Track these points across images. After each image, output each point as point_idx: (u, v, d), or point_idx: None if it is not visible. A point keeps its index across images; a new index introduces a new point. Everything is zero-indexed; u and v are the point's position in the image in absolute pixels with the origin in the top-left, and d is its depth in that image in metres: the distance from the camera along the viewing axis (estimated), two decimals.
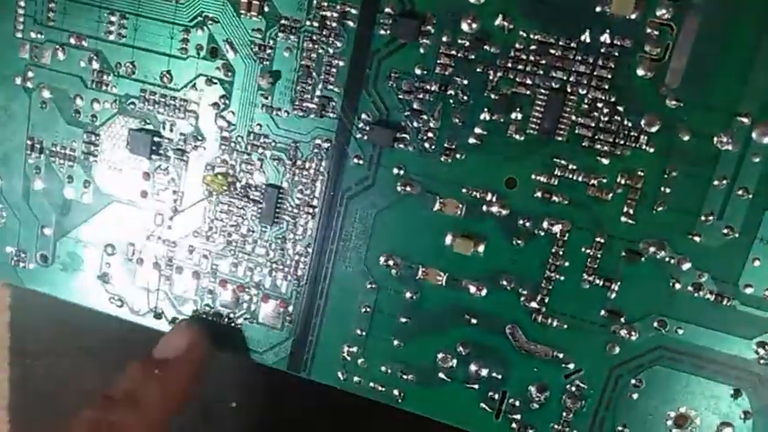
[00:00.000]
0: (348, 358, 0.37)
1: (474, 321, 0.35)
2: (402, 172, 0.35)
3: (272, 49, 0.35)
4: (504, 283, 0.35)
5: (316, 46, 0.35)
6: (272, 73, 0.35)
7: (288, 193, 0.36)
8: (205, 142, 0.37)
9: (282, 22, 0.35)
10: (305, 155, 0.36)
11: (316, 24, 0.34)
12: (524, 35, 0.32)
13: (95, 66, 0.38)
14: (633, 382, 0.34)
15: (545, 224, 0.34)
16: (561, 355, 0.35)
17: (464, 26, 0.33)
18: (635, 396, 0.34)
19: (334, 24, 0.34)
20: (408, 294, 0.36)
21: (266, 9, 0.35)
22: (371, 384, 0.37)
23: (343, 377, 0.37)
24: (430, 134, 0.34)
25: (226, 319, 0.38)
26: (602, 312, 0.34)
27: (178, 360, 0.36)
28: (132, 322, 0.40)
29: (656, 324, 0.33)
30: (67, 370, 0.41)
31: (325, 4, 0.34)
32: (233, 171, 0.37)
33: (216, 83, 0.36)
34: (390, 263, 0.36)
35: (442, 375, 0.36)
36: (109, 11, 0.37)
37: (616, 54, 0.32)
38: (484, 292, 0.35)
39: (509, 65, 0.33)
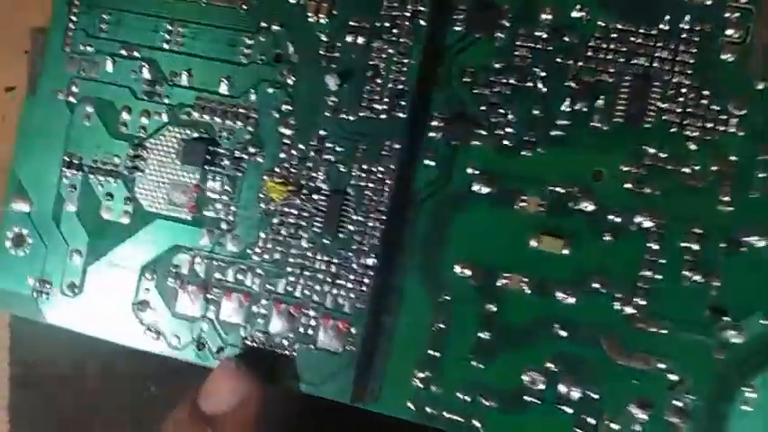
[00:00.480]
0: (420, 385, 0.33)
1: (564, 333, 0.32)
2: (479, 171, 0.32)
3: (339, 51, 0.34)
4: (596, 286, 0.31)
5: (386, 45, 0.33)
6: (339, 74, 0.33)
7: (353, 200, 0.33)
8: (264, 149, 0.34)
9: (351, 23, 0.34)
10: (373, 157, 0.33)
11: (386, 24, 0.33)
12: (603, 24, 0.32)
13: (147, 75, 0.35)
14: (745, 389, 0.30)
15: (637, 218, 0.31)
16: (663, 365, 0.31)
17: (541, 17, 0.32)
18: (747, 407, 0.30)
19: (405, 23, 0.33)
20: (489, 306, 0.32)
21: (334, 12, 0.34)
22: (447, 415, 0.32)
23: (414, 408, 0.32)
24: (509, 129, 0.32)
25: (278, 347, 0.34)
26: (705, 312, 0.31)
27: (231, 415, 0.31)
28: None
29: (763, 321, 0.30)
30: (68, 370, 0.37)
31: (396, 3, 0.33)
32: (294, 178, 0.34)
33: (279, 87, 0.34)
34: (468, 272, 0.32)
35: (528, 398, 0.32)
36: (167, 20, 0.35)
37: (697, 39, 0.31)
38: (573, 299, 0.31)
39: (590, 54, 0.32)
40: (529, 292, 0.31)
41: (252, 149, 0.35)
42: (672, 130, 0.31)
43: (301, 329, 0.34)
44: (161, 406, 0.33)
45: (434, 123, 0.33)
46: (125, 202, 0.36)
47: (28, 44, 0.38)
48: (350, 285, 0.33)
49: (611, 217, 0.31)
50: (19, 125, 0.37)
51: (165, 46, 0.36)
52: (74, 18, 0.37)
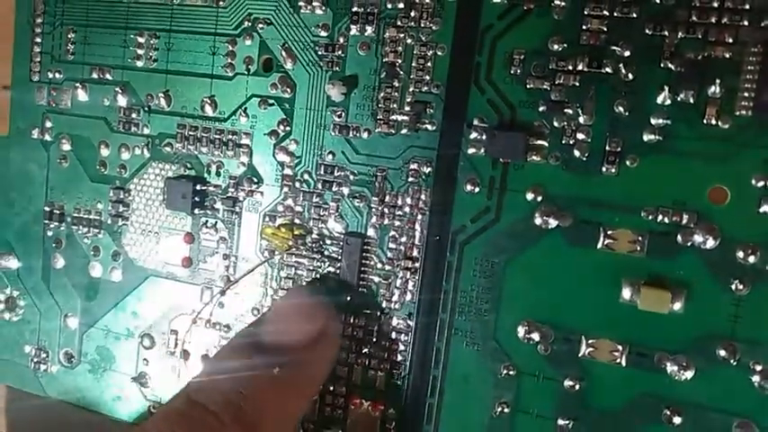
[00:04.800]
0: None
1: (678, 421, 0.20)
2: (541, 197, 0.21)
3: (343, 49, 0.23)
4: (723, 353, 0.20)
5: (402, 35, 0.22)
6: (345, 80, 0.23)
7: (376, 244, 0.23)
8: (262, 185, 0.24)
9: (354, 9, 0.22)
10: (397, 187, 0.22)
11: (400, 5, 0.22)
12: None
13: (122, 102, 0.26)
14: None
15: None
16: None
17: None
18: None
19: (426, 1, 0.22)
20: (569, 383, 0.21)
21: None
22: None
23: None
24: (580, 135, 0.20)
25: None
26: None
27: (311, 349, 0.22)
28: None
29: None
30: None
31: None
32: (300, 220, 0.24)
33: (272, 104, 0.24)
34: (535, 335, 0.22)
35: None
36: (136, 31, 0.26)
37: None
38: (690, 373, 0.20)
39: (693, 18, 0.19)
40: (625, 364, 0.20)
41: (247, 186, 0.25)
42: None
43: (326, 412, 0.24)
44: None
45: (475, 135, 0.21)
46: (113, 258, 0.27)
47: None
48: (380, 354, 0.23)
49: (740, 255, 0.19)
50: None
51: (137, 63, 0.26)
52: (38, 40, 0.28)
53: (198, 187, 0.26)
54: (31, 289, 0.30)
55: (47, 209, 0.29)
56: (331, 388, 0.25)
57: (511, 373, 0.23)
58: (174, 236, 0.27)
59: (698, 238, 0.21)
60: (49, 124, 0.29)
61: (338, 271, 0.25)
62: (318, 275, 0.25)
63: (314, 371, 0.21)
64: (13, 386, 0.30)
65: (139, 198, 0.28)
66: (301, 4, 0.25)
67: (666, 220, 0.21)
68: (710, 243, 0.21)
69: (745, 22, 0.20)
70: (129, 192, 0.28)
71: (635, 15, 0.21)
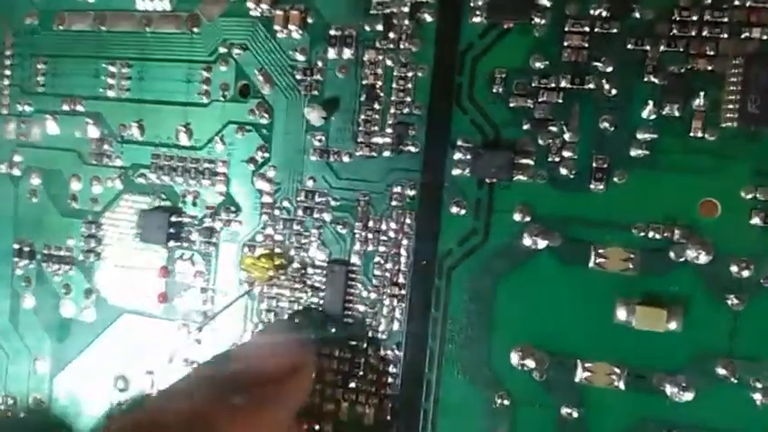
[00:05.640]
0: None
1: None
2: (529, 217, 0.20)
3: (321, 72, 0.22)
4: (723, 372, 0.19)
5: (381, 57, 0.21)
6: (324, 103, 0.22)
7: (361, 272, 0.22)
8: (240, 214, 0.23)
9: (332, 32, 0.22)
10: (380, 211, 0.21)
11: (378, 27, 0.21)
12: None
13: (94, 133, 0.25)
14: None
15: None
16: None
17: None
18: None
19: (405, 22, 0.21)
20: (566, 410, 0.20)
21: (309, 20, 0.22)
22: None
23: None
24: (566, 153, 0.20)
25: None
26: None
27: (281, 384, 0.21)
28: None
29: None
30: None
31: None
32: (281, 249, 0.23)
33: (250, 130, 0.23)
34: (530, 361, 0.21)
35: None
36: (107, 60, 0.25)
37: None
38: (690, 394, 0.19)
39: (674, 32, 0.19)
40: (623, 387, 0.20)
41: (225, 216, 0.24)
42: None
43: None
44: None
45: (459, 156, 0.21)
46: (85, 295, 0.26)
47: None
48: (368, 388, 0.22)
49: (734, 269, 0.18)
50: None
51: (109, 93, 0.25)
52: (7, 72, 0.27)
53: (173, 218, 0.25)
54: None
55: (16, 246, 0.28)
56: (317, 427, 0.24)
57: (506, 402, 0.22)
58: (149, 270, 0.26)
59: (691, 254, 0.20)
60: (18, 158, 0.28)
61: (321, 301, 0.23)
62: (300, 308, 0.23)
63: (282, 405, 0.20)
64: None
65: (112, 232, 0.26)
66: (277, 28, 0.24)
67: (658, 236, 0.21)
68: (704, 258, 0.20)
69: (725, 35, 0.20)
70: (101, 226, 0.27)
71: (616, 30, 0.21)
